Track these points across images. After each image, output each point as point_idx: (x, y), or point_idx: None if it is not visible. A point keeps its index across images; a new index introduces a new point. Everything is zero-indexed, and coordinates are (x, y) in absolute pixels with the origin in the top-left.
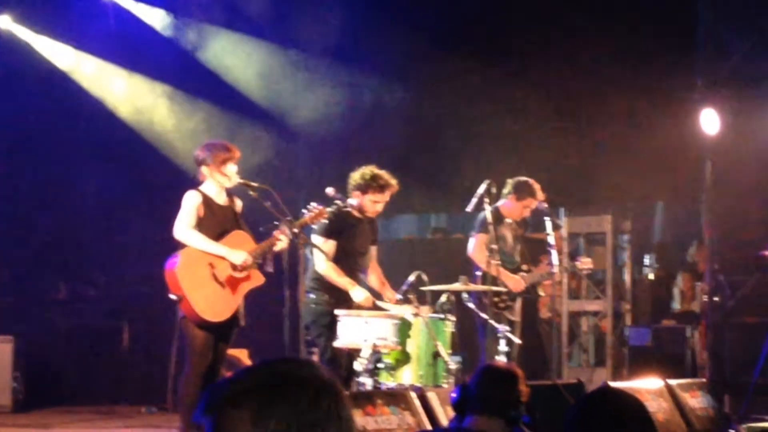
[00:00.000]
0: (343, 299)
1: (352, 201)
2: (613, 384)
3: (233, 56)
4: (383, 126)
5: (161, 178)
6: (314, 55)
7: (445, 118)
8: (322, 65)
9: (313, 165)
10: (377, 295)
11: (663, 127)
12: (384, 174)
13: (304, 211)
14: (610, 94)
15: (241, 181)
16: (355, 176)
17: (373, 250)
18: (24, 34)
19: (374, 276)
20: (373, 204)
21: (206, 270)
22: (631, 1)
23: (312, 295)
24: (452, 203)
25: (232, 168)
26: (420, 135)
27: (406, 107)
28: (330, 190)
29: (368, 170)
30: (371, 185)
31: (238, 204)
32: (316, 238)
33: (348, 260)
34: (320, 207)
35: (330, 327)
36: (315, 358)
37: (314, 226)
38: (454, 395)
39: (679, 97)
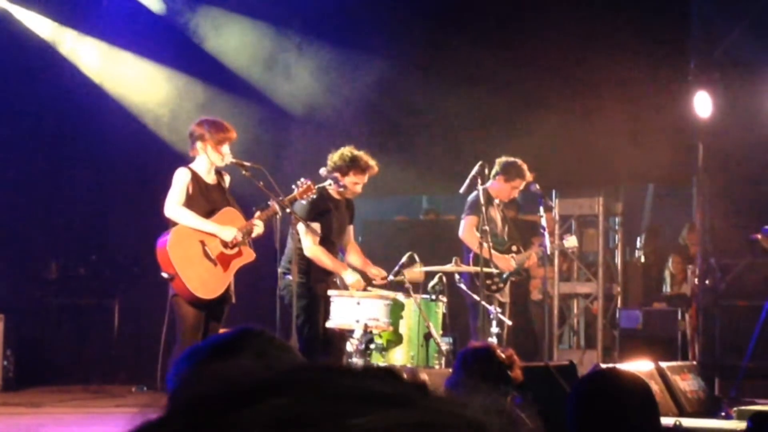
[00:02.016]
0: (320, 281)
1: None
2: (606, 366)
3: (228, 36)
4: (375, 107)
5: (152, 156)
6: (309, 36)
7: (437, 99)
8: (316, 46)
9: (305, 145)
10: (360, 274)
11: (655, 110)
12: (364, 155)
13: (293, 186)
14: (603, 77)
15: (234, 160)
16: (335, 157)
17: (350, 230)
18: (19, 13)
19: (354, 255)
20: (354, 185)
21: (198, 247)
22: None
23: (289, 277)
24: (444, 184)
25: (226, 148)
26: (411, 117)
27: (399, 89)
28: (323, 171)
29: (348, 151)
30: (352, 166)
31: (226, 180)
32: (303, 221)
33: (328, 240)
34: (309, 182)
35: (307, 308)
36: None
37: (299, 206)
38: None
39: (672, 80)
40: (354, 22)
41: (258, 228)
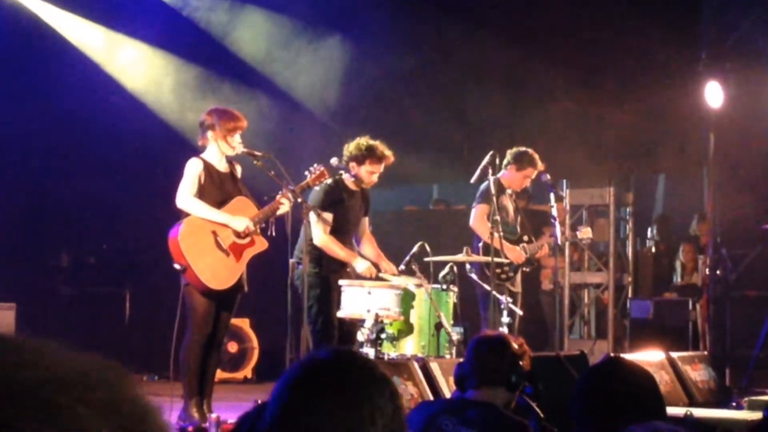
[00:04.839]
0: (332, 271)
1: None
2: (616, 355)
3: (241, 28)
4: (385, 97)
5: (163, 147)
6: (320, 26)
7: (448, 91)
8: (327, 35)
9: (316, 134)
10: (373, 266)
11: (666, 100)
12: (379, 144)
13: (306, 172)
14: (616, 68)
15: (245, 150)
16: (350, 147)
17: (365, 221)
18: (27, 1)
19: (369, 247)
20: (370, 174)
21: (209, 238)
22: None
23: (301, 266)
24: (455, 174)
25: (237, 137)
26: (422, 107)
27: (408, 80)
28: (335, 160)
29: (364, 141)
30: (368, 156)
31: (238, 169)
32: (315, 210)
33: (342, 231)
34: (321, 168)
35: (320, 298)
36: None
37: (312, 197)
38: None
39: (684, 71)
40: (366, 15)
41: (284, 207)
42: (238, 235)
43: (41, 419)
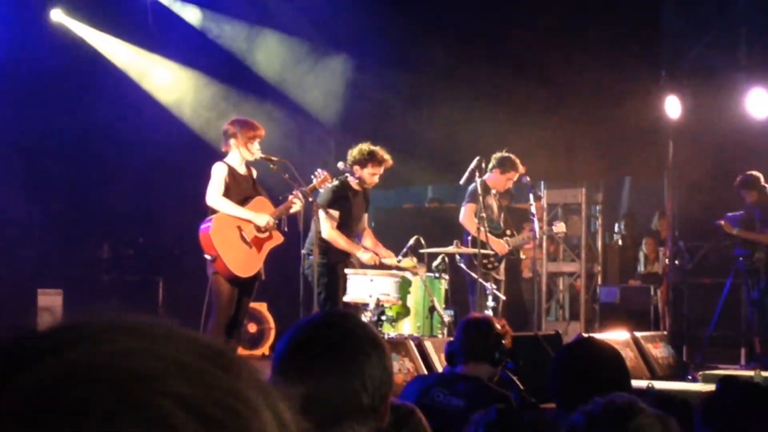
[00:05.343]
0: (338, 261)
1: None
2: (588, 335)
3: (258, 47)
4: (384, 109)
5: (191, 153)
6: (326, 47)
7: (440, 102)
8: (332, 55)
9: (324, 142)
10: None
11: (631, 113)
12: (379, 150)
13: (312, 177)
14: (585, 83)
15: (263, 155)
16: (354, 152)
17: (366, 217)
18: (75, 27)
19: (368, 238)
20: (371, 176)
21: (236, 232)
22: (605, 4)
23: (311, 257)
24: (446, 175)
25: (256, 144)
26: (417, 117)
27: (404, 94)
28: (341, 164)
29: (366, 146)
30: (370, 160)
31: (254, 172)
32: (323, 208)
33: (346, 226)
34: (325, 173)
35: (328, 285)
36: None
37: (320, 196)
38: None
39: (646, 86)
40: (366, 37)
41: (296, 206)
42: (259, 229)
43: (125, 413)
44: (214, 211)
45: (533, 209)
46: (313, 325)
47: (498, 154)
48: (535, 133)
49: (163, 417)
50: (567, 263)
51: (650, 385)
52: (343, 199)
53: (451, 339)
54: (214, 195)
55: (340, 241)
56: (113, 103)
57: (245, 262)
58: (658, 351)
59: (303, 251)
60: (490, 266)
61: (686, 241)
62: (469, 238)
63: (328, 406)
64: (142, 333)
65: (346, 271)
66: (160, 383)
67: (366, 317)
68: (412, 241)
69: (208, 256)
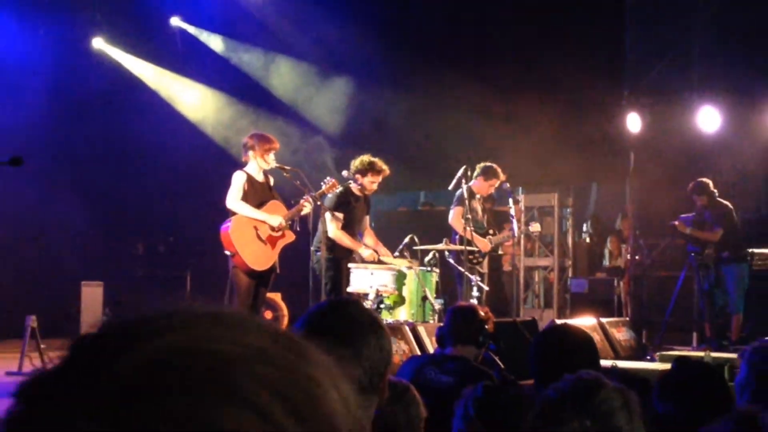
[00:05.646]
0: (343, 257)
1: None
2: (560, 321)
3: (272, 71)
4: (382, 123)
5: (214, 162)
6: (331, 70)
7: (431, 119)
8: (337, 77)
9: (332, 152)
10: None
11: (598, 127)
12: (378, 161)
13: (321, 183)
14: (560, 103)
15: (278, 165)
16: (356, 163)
17: (367, 219)
18: (114, 53)
19: (369, 238)
20: (371, 184)
21: (252, 231)
22: (579, 32)
23: (319, 253)
24: (437, 182)
25: (272, 155)
26: (411, 131)
27: (400, 110)
28: (345, 173)
29: (366, 158)
30: (370, 169)
31: (271, 180)
32: (330, 211)
33: (350, 226)
34: (333, 180)
35: (334, 278)
36: None
37: (327, 200)
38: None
39: (610, 104)
40: (366, 61)
41: (306, 209)
42: (273, 229)
43: (211, 390)
44: (233, 213)
45: (512, 211)
46: (321, 311)
47: (482, 164)
48: (514, 145)
49: (250, 398)
50: (542, 258)
51: (614, 365)
52: (346, 204)
53: (441, 324)
54: (233, 199)
55: (344, 239)
56: (147, 120)
57: (260, 257)
58: (621, 334)
59: (312, 248)
60: (475, 261)
61: (645, 239)
62: (457, 236)
63: None
64: (223, 320)
65: (350, 265)
66: (246, 366)
67: (367, 305)
68: (407, 240)
69: (228, 252)
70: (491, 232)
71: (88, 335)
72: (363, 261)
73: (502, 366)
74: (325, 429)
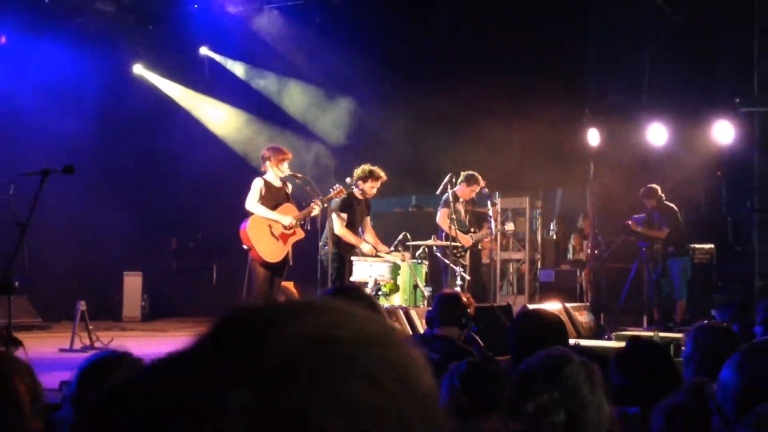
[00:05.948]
0: (346, 251)
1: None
2: (531, 306)
3: (286, 92)
4: (379, 137)
5: (236, 171)
6: (336, 91)
7: (419, 133)
8: (340, 97)
9: (337, 162)
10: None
11: (563, 140)
12: (377, 169)
13: (330, 189)
14: (532, 120)
15: (291, 173)
16: (358, 171)
17: (368, 220)
18: (152, 77)
19: (369, 236)
20: (371, 189)
21: (267, 229)
22: (545, 58)
23: (326, 248)
24: (426, 187)
25: (286, 165)
26: (404, 143)
27: (395, 126)
28: (349, 179)
29: (367, 167)
30: (370, 176)
31: (289, 186)
32: (335, 212)
33: (352, 225)
34: (340, 186)
35: (338, 270)
36: None
37: (334, 203)
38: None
39: (573, 121)
40: (365, 84)
41: (315, 210)
42: (284, 227)
43: (341, 368)
44: (250, 214)
45: (490, 212)
46: (328, 296)
47: (465, 172)
48: (491, 156)
49: (371, 376)
50: (515, 252)
51: (576, 343)
52: (350, 206)
53: (430, 308)
54: (250, 202)
55: (348, 236)
56: (179, 135)
57: (273, 251)
58: (583, 317)
59: (320, 243)
60: (458, 255)
61: (603, 236)
62: (443, 234)
63: None
64: (333, 310)
65: (352, 258)
66: (369, 349)
67: (366, 292)
68: (400, 236)
69: (245, 247)
70: (472, 230)
71: (224, 320)
72: (363, 255)
73: (482, 344)
74: (431, 402)
